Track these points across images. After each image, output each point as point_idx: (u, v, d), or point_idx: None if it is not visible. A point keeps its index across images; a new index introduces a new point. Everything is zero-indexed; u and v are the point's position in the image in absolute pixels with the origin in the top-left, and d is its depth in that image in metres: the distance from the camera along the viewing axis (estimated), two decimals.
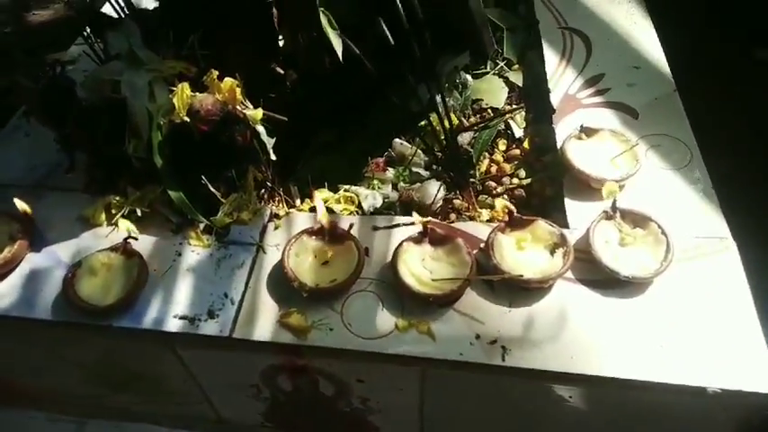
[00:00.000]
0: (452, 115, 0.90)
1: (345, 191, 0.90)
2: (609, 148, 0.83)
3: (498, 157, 0.96)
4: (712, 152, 0.86)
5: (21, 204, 0.79)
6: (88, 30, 0.87)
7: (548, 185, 0.88)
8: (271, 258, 0.78)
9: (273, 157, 0.83)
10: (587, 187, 0.80)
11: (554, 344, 0.66)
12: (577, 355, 0.65)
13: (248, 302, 0.73)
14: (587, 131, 0.84)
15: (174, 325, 0.71)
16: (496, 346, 0.67)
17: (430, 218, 0.78)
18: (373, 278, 0.74)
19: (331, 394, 0.79)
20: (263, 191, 0.87)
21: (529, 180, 0.90)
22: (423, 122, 0.97)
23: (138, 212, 0.82)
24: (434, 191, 0.89)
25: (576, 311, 0.69)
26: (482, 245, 0.75)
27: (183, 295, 0.74)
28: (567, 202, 0.80)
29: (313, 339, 0.69)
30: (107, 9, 0.93)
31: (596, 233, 0.73)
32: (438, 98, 0.85)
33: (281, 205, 0.87)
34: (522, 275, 0.69)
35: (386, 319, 0.70)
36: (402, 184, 0.94)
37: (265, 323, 0.71)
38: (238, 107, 0.79)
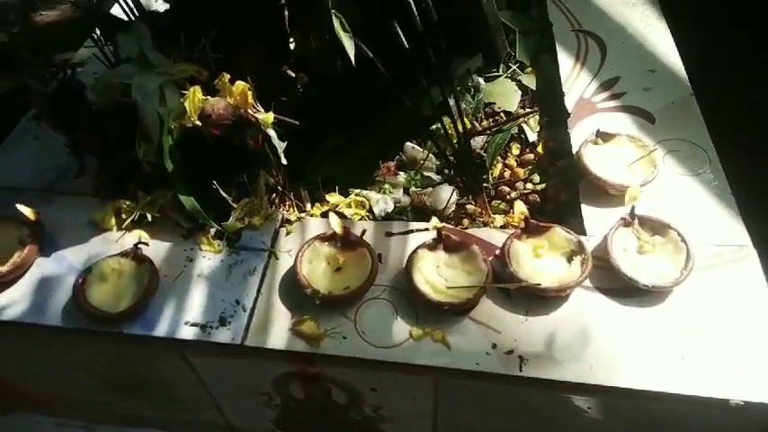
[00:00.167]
0: (465, 119, 0.88)
1: (356, 195, 0.89)
2: (626, 154, 0.81)
3: (512, 161, 0.95)
4: (730, 157, 0.85)
5: (25, 210, 0.78)
6: (98, 32, 0.86)
7: (563, 191, 0.86)
8: (282, 264, 0.77)
9: (284, 161, 0.82)
10: (604, 193, 0.79)
11: (573, 354, 0.65)
12: (597, 365, 0.64)
13: (260, 309, 0.72)
14: (604, 136, 0.83)
15: (185, 332, 0.70)
16: (513, 356, 0.66)
17: (444, 224, 0.77)
18: (387, 285, 0.73)
19: (343, 402, 0.78)
20: (273, 195, 0.86)
21: (543, 185, 0.89)
22: (434, 126, 0.96)
23: (149, 217, 0.81)
24: (447, 196, 0.88)
25: (595, 321, 0.68)
26: (497, 252, 0.74)
27: (194, 302, 0.73)
28: (584, 209, 0.79)
29: (326, 348, 0.68)
30: (117, 11, 0.92)
31: (614, 240, 0.72)
32: (451, 101, 0.84)
33: (291, 210, 0.86)
34: (539, 284, 0.67)
35: (400, 328, 0.69)
36: (413, 188, 0.93)
37: (278, 331, 0.70)
38: (250, 111, 0.78)
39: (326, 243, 0.75)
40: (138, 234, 0.80)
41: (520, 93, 1.04)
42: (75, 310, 0.72)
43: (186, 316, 0.72)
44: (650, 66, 0.97)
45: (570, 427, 0.72)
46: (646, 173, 0.79)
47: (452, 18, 0.89)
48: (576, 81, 0.96)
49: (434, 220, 0.77)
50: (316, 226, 0.81)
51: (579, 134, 0.87)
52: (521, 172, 0.93)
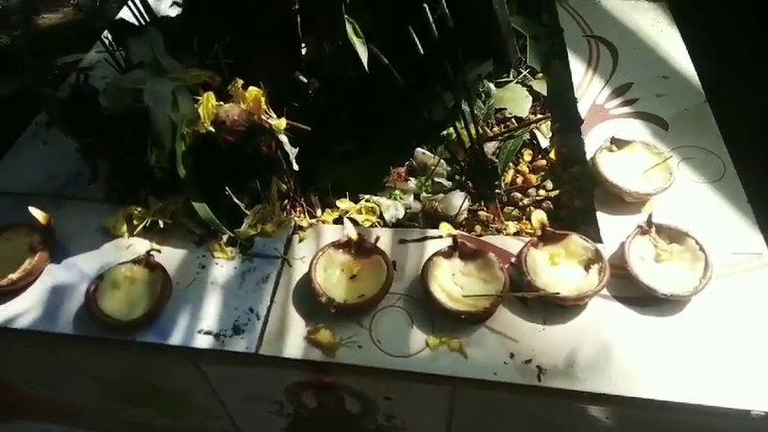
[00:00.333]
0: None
1: (367, 201, 0.88)
2: (641, 161, 0.81)
3: (524, 167, 0.94)
4: (745, 164, 0.85)
5: (38, 213, 0.77)
6: (110, 37, 0.85)
7: (576, 197, 0.86)
8: (296, 272, 0.76)
9: (296, 167, 0.82)
10: (619, 201, 0.79)
11: (592, 364, 0.64)
12: (616, 375, 0.63)
13: (274, 317, 0.71)
14: (618, 143, 0.83)
15: (199, 341, 0.69)
16: (531, 366, 0.65)
17: (459, 231, 0.76)
18: (402, 293, 0.73)
19: (356, 411, 0.77)
20: (285, 201, 0.85)
21: (557, 192, 0.89)
22: (446, 131, 0.95)
23: (161, 224, 0.80)
24: (458, 202, 0.88)
25: (613, 330, 0.67)
26: (513, 259, 0.74)
27: (207, 310, 0.72)
28: (599, 216, 0.78)
29: (341, 357, 0.67)
30: (127, 16, 0.91)
31: (632, 249, 0.71)
32: (464, 106, 0.84)
33: (302, 216, 0.85)
34: (558, 293, 0.67)
35: (416, 337, 0.69)
36: (424, 194, 0.92)
37: (293, 339, 0.69)
38: (263, 117, 0.77)
39: (341, 250, 0.75)
40: (149, 241, 0.79)
41: (531, 98, 1.04)
42: (87, 318, 0.71)
43: (200, 324, 0.71)
44: (663, 72, 0.97)
45: None
46: (662, 180, 0.78)
47: (463, 23, 0.89)
48: (588, 87, 0.96)
49: (448, 227, 0.77)
50: (328, 233, 0.80)
51: (592, 141, 0.87)
52: (533, 178, 0.92)
